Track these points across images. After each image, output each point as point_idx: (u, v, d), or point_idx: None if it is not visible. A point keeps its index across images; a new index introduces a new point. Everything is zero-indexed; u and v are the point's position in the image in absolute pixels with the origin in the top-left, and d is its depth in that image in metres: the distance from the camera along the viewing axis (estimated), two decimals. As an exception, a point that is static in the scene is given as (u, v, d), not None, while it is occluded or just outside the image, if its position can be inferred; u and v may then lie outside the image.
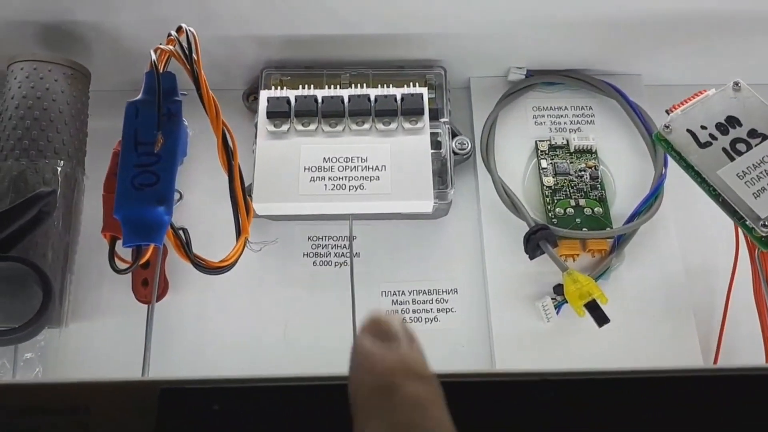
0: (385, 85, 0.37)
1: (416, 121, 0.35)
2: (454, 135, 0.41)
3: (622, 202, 0.40)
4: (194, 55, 0.29)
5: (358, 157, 0.34)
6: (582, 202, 0.39)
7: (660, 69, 0.43)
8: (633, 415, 0.21)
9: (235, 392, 0.21)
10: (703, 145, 0.32)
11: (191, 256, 0.30)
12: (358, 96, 0.35)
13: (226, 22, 0.38)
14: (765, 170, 0.31)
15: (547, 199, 0.39)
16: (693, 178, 0.32)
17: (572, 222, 0.38)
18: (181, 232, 0.31)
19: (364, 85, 0.38)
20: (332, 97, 0.35)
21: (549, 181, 0.40)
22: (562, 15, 0.39)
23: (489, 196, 0.39)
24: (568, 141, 0.41)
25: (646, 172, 0.40)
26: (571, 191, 0.39)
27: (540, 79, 0.43)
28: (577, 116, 0.42)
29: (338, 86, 0.39)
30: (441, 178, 0.38)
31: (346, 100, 0.35)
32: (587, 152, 0.41)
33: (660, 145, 0.33)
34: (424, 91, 0.36)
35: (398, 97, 0.35)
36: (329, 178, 0.33)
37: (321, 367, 0.33)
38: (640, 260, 0.38)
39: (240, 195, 0.29)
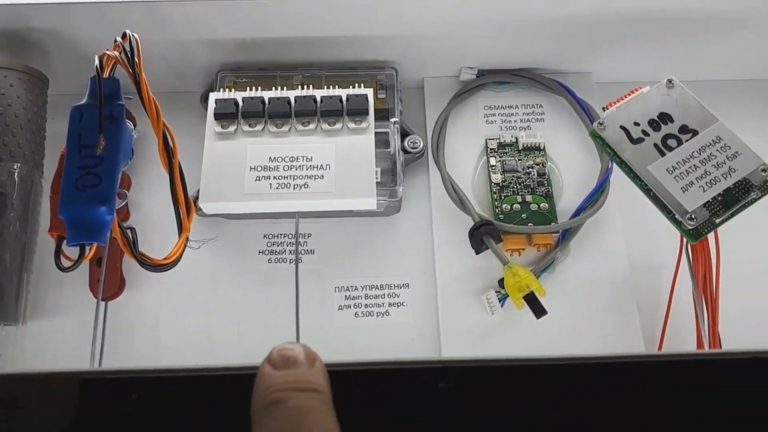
0: (337, 86, 0.38)
1: (361, 121, 0.36)
2: (406, 134, 0.42)
3: (570, 198, 0.41)
4: (136, 59, 0.30)
5: (303, 157, 0.35)
6: (528, 198, 0.40)
7: (610, 67, 0.44)
8: (534, 402, 0.22)
9: (153, 381, 0.22)
10: (636, 141, 0.33)
11: (136, 254, 0.31)
12: (304, 97, 0.36)
13: (178, 27, 0.39)
14: (694, 165, 0.32)
15: (495, 196, 0.40)
16: (627, 174, 0.33)
17: (518, 217, 0.39)
18: (128, 231, 0.32)
19: (315, 86, 0.39)
20: (278, 98, 0.36)
21: (497, 178, 0.40)
22: (511, 15, 0.40)
23: (439, 193, 0.40)
24: (517, 139, 0.42)
25: (594, 167, 0.41)
26: (519, 188, 0.40)
27: (491, 78, 0.44)
28: (528, 114, 0.43)
29: (291, 87, 0.40)
30: (391, 176, 0.39)
31: (292, 101, 0.36)
32: (535, 149, 0.41)
33: (595, 141, 0.34)
34: (370, 92, 0.37)
35: (343, 98, 0.36)
36: (274, 177, 0.34)
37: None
38: (586, 254, 0.39)
39: (180, 193, 0.30)
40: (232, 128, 0.35)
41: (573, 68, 0.44)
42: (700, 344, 0.33)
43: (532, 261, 0.39)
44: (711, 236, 0.33)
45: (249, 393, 0.20)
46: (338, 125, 0.36)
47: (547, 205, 0.40)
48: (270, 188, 0.34)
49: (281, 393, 0.19)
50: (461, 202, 0.39)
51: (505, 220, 0.39)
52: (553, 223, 0.39)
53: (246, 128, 0.36)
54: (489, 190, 0.40)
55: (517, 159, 0.41)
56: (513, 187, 0.40)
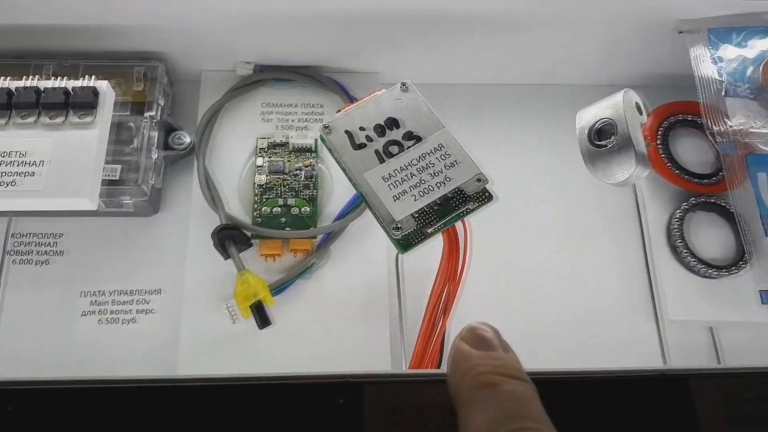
0: (96, 77, 0.35)
1: (85, 115, 0.33)
2: (173, 130, 0.40)
3: (339, 201, 0.39)
4: None
5: (16, 152, 0.32)
6: (291, 201, 0.38)
7: (397, 67, 0.43)
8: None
9: None
10: (358, 147, 0.31)
11: None
12: (25, 88, 0.33)
13: None
14: (411, 173, 0.31)
15: (257, 198, 0.38)
16: (349, 181, 0.32)
17: (277, 221, 0.38)
18: None
19: (71, 76, 0.36)
20: (-4, 90, 0.33)
21: (261, 179, 0.39)
22: (288, 9, 0.38)
23: (199, 193, 0.39)
24: (288, 139, 0.40)
25: (367, 171, 0.40)
26: (283, 190, 0.39)
27: (270, 74, 0.42)
28: (307, 114, 0.42)
29: (43, 77, 0.37)
30: (137, 174, 0.36)
31: (13, 92, 0.33)
32: (307, 151, 0.40)
33: (324, 145, 0.32)
34: (105, 84, 0.34)
35: (68, 91, 0.34)
36: (-20, 174, 0.32)
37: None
38: (346, 260, 0.38)
39: None
40: (-56, 121, 0.33)
41: (360, 68, 0.43)
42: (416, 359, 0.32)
43: (290, 267, 0.37)
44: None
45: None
46: (60, 119, 0.33)
47: (308, 208, 0.38)
48: (-28, 186, 0.31)
49: (492, 376, 0.19)
50: (213, 202, 0.37)
51: (262, 224, 0.37)
52: (312, 228, 0.38)
53: (-40, 121, 0.33)
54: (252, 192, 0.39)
55: (286, 160, 0.40)
56: (277, 190, 0.39)
